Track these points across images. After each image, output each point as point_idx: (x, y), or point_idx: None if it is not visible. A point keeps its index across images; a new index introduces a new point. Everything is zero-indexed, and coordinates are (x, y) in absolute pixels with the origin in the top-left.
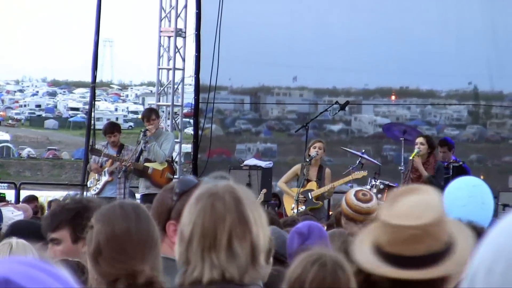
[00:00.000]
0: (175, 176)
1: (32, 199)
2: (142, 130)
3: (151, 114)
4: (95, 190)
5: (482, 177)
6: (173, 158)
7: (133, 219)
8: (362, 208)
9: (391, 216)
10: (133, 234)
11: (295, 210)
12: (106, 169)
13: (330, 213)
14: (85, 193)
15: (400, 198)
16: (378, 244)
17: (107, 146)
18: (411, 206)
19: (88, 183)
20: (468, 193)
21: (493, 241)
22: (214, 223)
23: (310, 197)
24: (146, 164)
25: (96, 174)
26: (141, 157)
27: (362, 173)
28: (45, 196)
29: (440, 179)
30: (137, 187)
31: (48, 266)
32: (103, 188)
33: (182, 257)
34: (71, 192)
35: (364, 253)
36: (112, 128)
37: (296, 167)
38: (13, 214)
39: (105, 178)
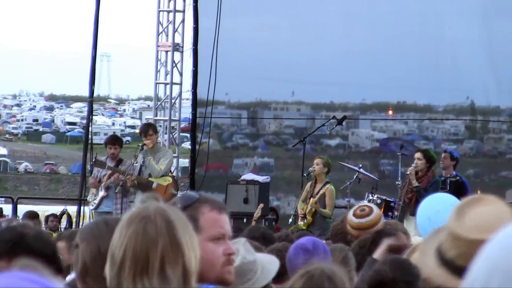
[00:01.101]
0: (178, 192)
1: (33, 216)
2: (140, 144)
3: (148, 129)
4: (93, 205)
5: (478, 192)
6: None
7: None
8: (362, 223)
9: (463, 229)
10: None
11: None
12: (102, 184)
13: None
14: (83, 207)
15: (468, 209)
16: (448, 256)
17: (106, 160)
18: (483, 218)
19: (88, 197)
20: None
21: (489, 256)
22: (146, 247)
23: (306, 213)
24: (151, 179)
25: (95, 189)
26: (142, 171)
27: (330, 188)
28: (42, 210)
29: (433, 192)
30: (132, 202)
31: (47, 281)
32: (100, 203)
33: (113, 281)
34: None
35: (430, 266)
36: (114, 140)
37: (308, 184)
38: None
39: (101, 193)
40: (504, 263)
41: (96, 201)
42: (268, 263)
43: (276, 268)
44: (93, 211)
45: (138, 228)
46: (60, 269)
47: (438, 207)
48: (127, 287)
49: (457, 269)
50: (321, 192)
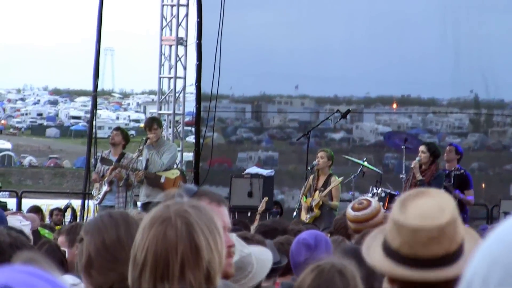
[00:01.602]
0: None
1: (36, 210)
2: (143, 138)
3: (152, 123)
4: (97, 200)
5: (483, 185)
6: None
7: (122, 227)
8: (361, 216)
9: (406, 218)
10: (123, 241)
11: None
12: (106, 179)
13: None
14: (87, 201)
15: (411, 201)
16: (391, 247)
17: (108, 154)
18: (425, 208)
19: (92, 192)
20: None
21: (489, 250)
22: (166, 251)
23: (313, 206)
24: (159, 173)
25: (98, 184)
26: (148, 166)
27: (338, 180)
28: (46, 204)
29: (437, 186)
30: (137, 196)
31: (49, 276)
32: (103, 198)
33: (135, 283)
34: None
35: (376, 256)
36: (118, 128)
37: (310, 178)
38: (21, 224)
39: (105, 188)
40: (504, 256)
41: (100, 196)
42: (260, 255)
43: (270, 259)
44: (97, 205)
45: (159, 231)
46: None
47: None
48: None
49: (402, 258)
50: (332, 185)
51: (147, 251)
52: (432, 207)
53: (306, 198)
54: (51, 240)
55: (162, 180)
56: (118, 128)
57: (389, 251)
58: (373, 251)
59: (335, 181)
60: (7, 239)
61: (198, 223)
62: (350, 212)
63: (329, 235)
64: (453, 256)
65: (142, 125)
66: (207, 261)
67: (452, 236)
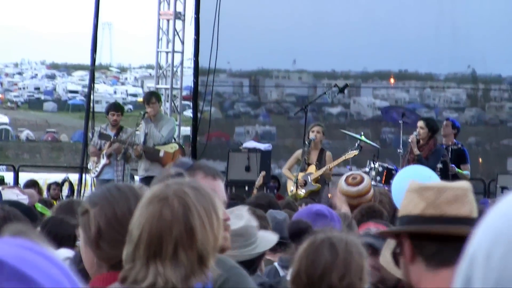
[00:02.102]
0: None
1: (32, 184)
2: (142, 112)
3: (151, 97)
4: (94, 173)
5: (480, 160)
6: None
7: (132, 200)
8: (352, 192)
9: (428, 183)
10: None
11: (295, 192)
12: (104, 152)
13: (329, 195)
14: (85, 175)
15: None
16: (414, 214)
17: (106, 128)
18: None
19: (89, 165)
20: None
21: (491, 225)
22: (160, 231)
23: (310, 180)
24: (157, 147)
25: (95, 157)
26: (146, 140)
27: (354, 153)
28: (44, 178)
29: (434, 161)
30: (137, 170)
31: (42, 249)
32: (101, 171)
33: (129, 257)
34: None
35: (386, 256)
36: (117, 107)
37: (297, 153)
38: (18, 197)
39: (103, 161)
40: (508, 232)
41: (98, 169)
42: (268, 235)
43: (275, 239)
44: (94, 178)
45: (155, 210)
46: None
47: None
48: (139, 267)
49: (427, 220)
50: (327, 160)
51: (142, 229)
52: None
53: (297, 172)
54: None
55: (161, 154)
56: (117, 109)
57: (410, 221)
58: (386, 251)
59: (350, 153)
60: (0, 213)
61: (195, 204)
62: (343, 184)
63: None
64: (476, 221)
65: (139, 99)
66: (201, 243)
67: (473, 203)
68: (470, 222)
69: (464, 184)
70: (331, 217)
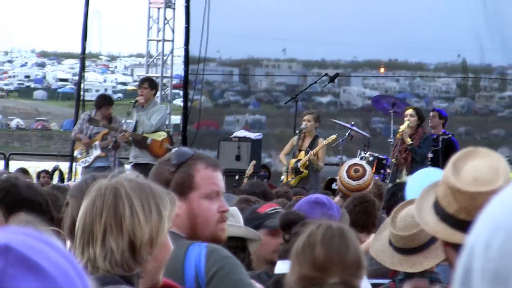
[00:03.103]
0: (173, 147)
1: (23, 172)
2: (132, 101)
3: (143, 82)
4: (84, 163)
5: None
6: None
7: None
8: (352, 185)
9: (462, 183)
10: None
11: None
12: (96, 142)
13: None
14: (75, 163)
15: (463, 163)
16: (447, 211)
17: (94, 116)
18: (479, 171)
19: (76, 153)
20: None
21: (491, 214)
22: (92, 219)
23: (298, 167)
24: (145, 134)
25: (84, 146)
26: (136, 128)
27: (332, 137)
28: (34, 167)
29: (426, 149)
30: (127, 158)
31: (47, 236)
32: (93, 162)
33: (74, 251)
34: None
35: (430, 221)
36: (110, 100)
37: (293, 139)
38: None
39: (96, 152)
40: (507, 221)
41: (90, 159)
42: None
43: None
44: (83, 167)
45: (90, 200)
46: (52, 219)
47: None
48: (78, 257)
49: (460, 223)
50: (320, 145)
51: (79, 220)
52: (486, 169)
53: (289, 159)
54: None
55: (149, 141)
56: (111, 102)
57: (445, 216)
58: (425, 214)
59: (329, 138)
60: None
61: (128, 194)
62: (344, 176)
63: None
64: None
65: (129, 88)
66: (131, 231)
67: None
68: None
69: (498, 185)
70: (329, 205)
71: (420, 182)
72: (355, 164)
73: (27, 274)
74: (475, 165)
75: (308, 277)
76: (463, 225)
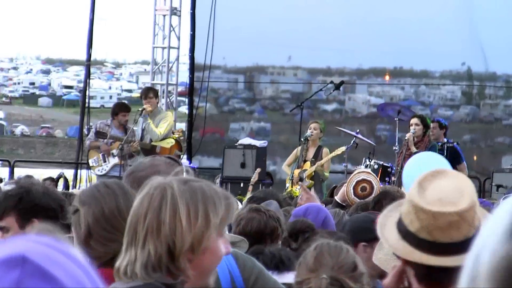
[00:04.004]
0: (183, 154)
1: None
2: (139, 109)
3: (148, 92)
4: (100, 171)
5: (475, 158)
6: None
7: (120, 196)
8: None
9: (425, 202)
10: (122, 211)
11: (291, 189)
12: (114, 150)
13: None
14: (80, 170)
15: (429, 182)
16: (408, 229)
17: (111, 125)
18: (444, 191)
19: (90, 161)
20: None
21: (499, 221)
22: (136, 219)
23: (304, 177)
24: (154, 143)
25: (100, 154)
26: (144, 136)
27: (342, 149)
28: (38, 174)
29: None
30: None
31: (64, 246)
32: (110, 170)
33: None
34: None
35: (392, 237)
36: (128, 108)
37: (296, 149)
38: None
39: (114, 160)
40: None
41: (107, 168)
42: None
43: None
44: (96, 176)
45: (140, 199)
46: (68, 225)
47: (424, 166)
48: (122, 254)
49: (420, 242)
50: (328, 157)
51: (130, 215)
52: (451, 190)
53: (293, 169)
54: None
55: (158, 149)
56: (129, 109)
57: (406, 233)
58: (388, 231)
59: (338, 150)
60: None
61: (174, 198)
62: (351, 193)
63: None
64: (471, 241)
65: (134, 95)
66: (169, 237)
67: (472, 221)
68: (464, 245)
69: (462, 207)
70: (304, 216)
71: (415, 166)
72: (364, 180)
73: (42, 286)
74: (441, 185)
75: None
76: (423, 244)
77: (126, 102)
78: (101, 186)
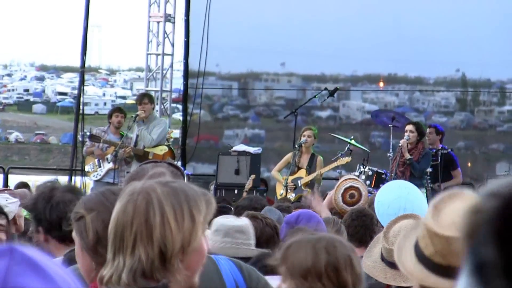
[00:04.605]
0: (176, 161)
1: (24, 186)
2: (133, 115)
3: (143, 98)
4: (95, 176)
5: (469, 164)
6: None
7: None
8: (346, 210)
9: (439, 226)
10: None
11: (285, 196)
12: (109, 155)
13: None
14: (74, 177)
15: (444, 206)
16: (424, 253)
17: (107, 131)
18: (459, 215)
19: (87, 167)
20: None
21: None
22: (123, 225)
23: (299, 185)
24: (147, 149)
25: (96, 160)
26: (137, 142)
27: (347, 159)
28: (33, 180)
29: (425, 164)
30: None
31: (50, 263)
32: (105, 175)
33: (108, 255)
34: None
35: (408, 261)
36: (121, 109)
37: (288, 155)
38: (8, 201)
39: (108, 165)
40: None
41: (102, 173)
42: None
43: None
44: (92, 181)
45: (122, 205)
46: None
47: (398, 193)
48: (109, 263)
49: (435, 266)
50: (330, 166)
51: (111, 224)
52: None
53: (287, 175)
54: None
55: (150, 156)
56: (121, 111)
57: (422, 257)
58: (405, 254)
59: (342, 159)
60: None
61: (160, 200)
62: (339, 201)
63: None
64: None
65: (129, 101)
66: (161, 241)
67: None
68: None
69: None
70: (296, 223)
71: (385, 197)
72: (352, 187)
73: (31, 273)
74: (456, 208)
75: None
76: (439, 269)
77: None
78: (108, 193)
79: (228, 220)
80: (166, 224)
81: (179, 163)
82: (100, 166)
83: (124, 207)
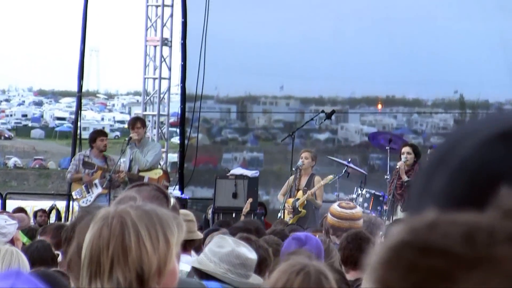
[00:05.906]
0: (170, 184)
1: (20, 211)
2: (126, 138)
3: (136, 122)
4: (85, 202)
5: None
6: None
7: None
8: (346, 213)
9: None
10: None
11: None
12: (96, 180)
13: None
14: (72, 202)
15: None
16: None
17: (90, 155)
18: None
19: (74, 194)
20: None
21: None
22: (98, 249)
23: (297, 206)
24: (141, 173)
25: (83, 185)
26: (131, 167)
27: (330, 177)
28: (31, 206)
29: None
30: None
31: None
32: (95, 200)
33: (81, 281)
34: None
35: None
36: (105, 132)
37: (290, 178)
38: (6, 223)
39: (97, 190)
40: None
41: (92, 198)
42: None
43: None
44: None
45: (96, 229)
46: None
47: None
48: (84, 287)
49: None
50: (323, 182)
51: (86, 249)
52: None
53: (286, 198)
54: (44, 240)
55: (145, 180)
56: (106, 134)
57: None
58: None
59: (326, 178)
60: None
61: (134, 223)
62: (336, 207)
63: (317, 235)
64: None
65: (126, 126)
66: (138, 263)
67: None
68: None
69: None
70: (306, 241)
71: None
72: (345, 201)
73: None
74: None
75: None
76: None
77: (118, 133)
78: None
79: (244, 251)
80: (142, 246)
81: (177, 187)
82: (88, 192)
83: (99, 231)
